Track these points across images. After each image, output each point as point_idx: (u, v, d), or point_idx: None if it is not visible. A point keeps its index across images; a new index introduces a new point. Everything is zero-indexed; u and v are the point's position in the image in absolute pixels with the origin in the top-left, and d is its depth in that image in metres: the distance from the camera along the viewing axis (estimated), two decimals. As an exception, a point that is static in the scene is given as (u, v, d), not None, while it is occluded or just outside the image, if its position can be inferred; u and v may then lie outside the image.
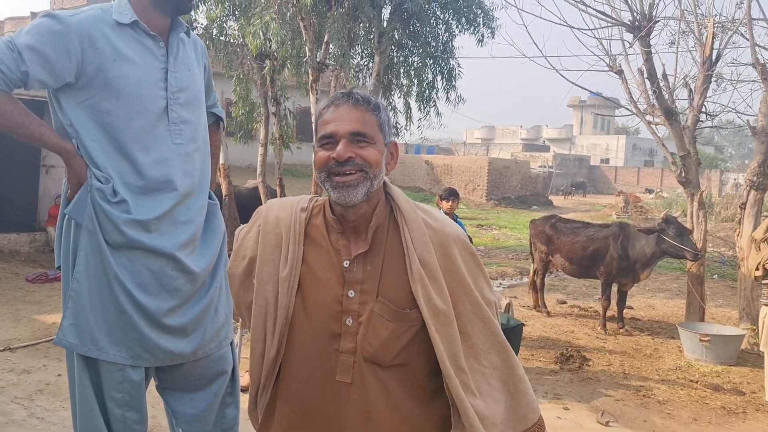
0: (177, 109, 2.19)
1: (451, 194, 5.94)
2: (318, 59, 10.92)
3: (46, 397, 4.18)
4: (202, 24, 12.52)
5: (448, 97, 12.38)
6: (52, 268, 8.65)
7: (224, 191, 12.11)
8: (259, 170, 12.58)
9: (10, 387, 4.31)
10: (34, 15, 23.59)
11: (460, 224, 6.03)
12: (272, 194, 12.57)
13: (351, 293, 1.49)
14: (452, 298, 1.51)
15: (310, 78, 11.08)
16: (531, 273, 8.30)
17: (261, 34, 9.48)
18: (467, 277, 1.54)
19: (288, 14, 10.53)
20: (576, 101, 61.66)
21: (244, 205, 12.63)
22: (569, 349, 6.18)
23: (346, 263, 1.51)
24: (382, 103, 1.53)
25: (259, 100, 12.60)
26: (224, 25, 12.16)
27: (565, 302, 8.78)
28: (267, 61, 11.68)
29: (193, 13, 11.74)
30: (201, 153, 2.31)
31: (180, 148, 2.20)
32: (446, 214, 5.92)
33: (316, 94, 11.25)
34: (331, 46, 10.72)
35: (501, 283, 10.31)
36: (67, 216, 2.12)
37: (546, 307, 7.98)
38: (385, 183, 1.58)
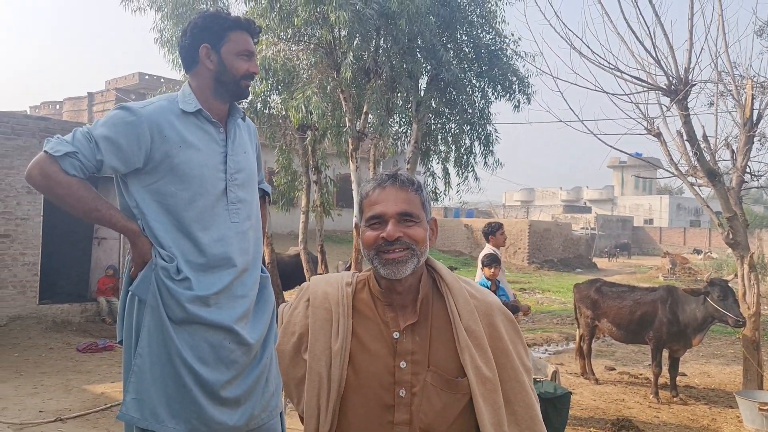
0: (235, 189, 2.33)
1: (493, 261, 5.94)
2: (357, 128, 11.23)
3: (95, 468, 4.23)
4: (247, 99, 13.07)
5: (486, 162, 12.50)
6: (102, 337, 8.85)
7: (267, 258, 12.32)
8: (300, 237, 12.79)
9: (61, 458, 4.38)
10: (91, 95, 24.96)
11: (503, 291, 5.99)
12: (313, 260, 12.73)
13: (403, 364, 1.53)
14: (497, 366, 1.55)
15: (350, 147, 11.38)
16: (577, 339, 8.12)
17: (303, 107, 9.84)
18: (509, 345, 1.59)
19: (328, 87, 10.93)
20: (616, 162, 61.32)
21: (285, 272, 12.80)
22: (620, 419, 5.97)
23: (395, 335, 1.56)
24: (423, 183, 1.63)
25: (301, 169, 12.95)
26: (268, 99, 12.67)
27: (614, 369, 8.52)
28: (308, 132, 12.05)
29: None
30: (254, 230, 2.42)
31: (237, 227, 2.32)
32: (488, 279, 5.91)
33: (356, 161, 11.53)
34: (369, 116, 11.04)
35: (547, 350, 10.09)
36: (131, 293, 2.21)
37: (594, 374, 7.76)
38: (428, 259, 1.65)
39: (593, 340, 8.11)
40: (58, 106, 26.93)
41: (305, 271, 12.64)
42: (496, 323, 1.60)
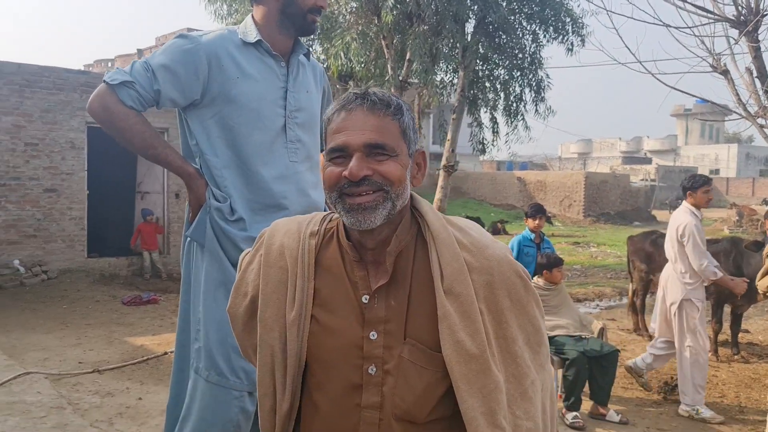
0: (294, 128, 2.22)
1: (538, 211, 5.57)
2: (400, 77, 10.83)
3: (125, 420, 4.18)
4: (314, 35, 12.81)
5: (537, 110, 11.96)
6: (147, 291, 8.94)
7: (312, 213, 12.22)
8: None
9: (93, 410, 4.35)
10: (140, 52, 25.15)
11: (548, 244, 5.62)
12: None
13: (373, 335, 1.22)
14: (496, 340, 1.23)
15: (394, 97, 10.99)
16: (630, 293, 7.70)
17: (342, 54, 9.51)
18: (510, 313, 1.26)
19: (370, 34, 10.53)
20: (680, 110, 58.54)
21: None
22: (674, 377, 5.59)
23: (364, 298, 1.24)
24: (405, 104, 1.27)
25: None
26: (309, 49, 12.38)
27: (670, 325, 8.07)
28: (350, 82, 11.72)
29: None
30: (315, 174, 2.28)
31: (295, 166, 2.21)
32: (532, 232, 5.55)
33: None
34: (413, 63, 10.61)
35: (598, 305, 9.69)
36: (189, 238, 2.18)
37: (647, 331, 7.34)
38: (412, 197, 1.32)
39: (647, 295, 7.68)
40: (110, 64, 27.31)
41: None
42: (494, 282, 1.25)
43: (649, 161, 50.16)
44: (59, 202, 9.32)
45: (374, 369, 1.21)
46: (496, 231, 21.72)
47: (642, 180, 37.09)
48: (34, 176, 9.07)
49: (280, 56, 2.22)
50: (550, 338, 4.73)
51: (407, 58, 10.69)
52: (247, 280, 1.36)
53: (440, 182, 11.21)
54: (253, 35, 2.18)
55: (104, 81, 2.05)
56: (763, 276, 4.06)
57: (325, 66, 11.77)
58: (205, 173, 2.16)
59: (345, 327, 1.24)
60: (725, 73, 6.60)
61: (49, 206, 9.23)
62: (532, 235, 5.55)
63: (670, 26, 6.41)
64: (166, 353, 5.88)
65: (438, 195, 11.18)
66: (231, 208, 2.11)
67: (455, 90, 11.62)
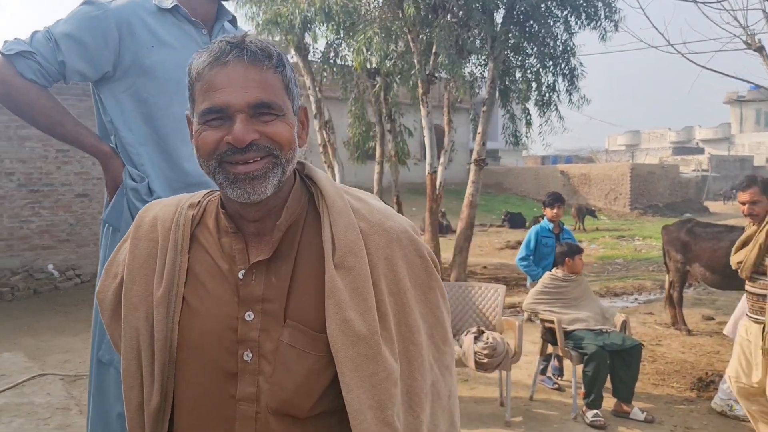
0: None
1: (556, 200, 5.33)
2: (427, 71, 10.64)
3: None
4: (320, 50, 12.80)
5: (570, 99, 11.56)
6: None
7: (342, 211, 12.14)
8: (375, 188, 12.48)
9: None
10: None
11: (568, 234, 5.37)
12: (390, 212, 12.38)
13: (249, 316, 1.07)
14: (394, 321, 1.08)
15: (420, 91, 10.82)
16: (666, 286, 7.33)
17: (364, 49, 9.39)
18: (409, 291, 1.11)
19: (394, 27, 10.36)
20: (733, 96, 56.37)
21: (362, 225, 12.58)
22: (710, 373, 5.27)
23: (240, 274, 1.09)
24: (285, 55, 1.11)
25: (375, 119, 12.56)
26: (338, 48, 12.31)
27: (712, 318, 7.66)
28: (378, 78, 11.60)
29: (311, 38, 12.02)
30: None
31: None
32: (551, 221, 5.32)
33: (427, 106, 10.96)
34: (440, 56, 10.40)
35: (637, 298, 9.29)
36: (104, 222, 2.03)
37: (686, 324, 6.98)
38: (302, 164, 1.17)
39: (686, 287, 7.30)
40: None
41: (382, 222, 12.35)
42: (395, 258, 1.10)
43: (701, 151, 48.44)
44: (91, 206, 9.48)
45: (250, 355, 1.06)
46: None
47: (693, 170, 35.83)
48: (66, 182, 9.26)
49: (200, 23, 2.04)
50: (569, 332, 4.50)
51: (434, 51, 10.50)
52: (118, 260, 1.21)
53: (471, 176, 10.95)
54: (169, 0, 1.99)
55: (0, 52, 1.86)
56: (736, 251, 3.70)
57: (349, 62, 11.69)
58: (120, 152, 1.99)
59: (218, 307, 1.09)
60: (760, 49, 6.22)
61: (81, 211, 9.41)
62: (551, 225, 5.31)
63: (699, 1, 6.08)
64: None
65: (469, 189, 10.91)
66: (149, 188, 1.95)
67: (485, 82, 11.36)
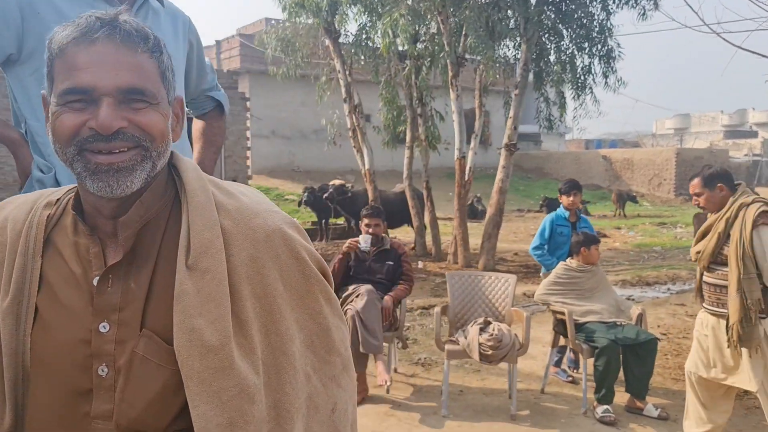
0: None
1: (572, 187, 5.12)
2: (457, 53, 10.42)
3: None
4: (352, 33, 12.68)
5: (606, 82, 11.18)
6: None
7: (370, 196, 12.06)
8: (405, 173, 12.35)
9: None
10: (218, 43, 25.85)
11: (586, 222, 5.17)
12: (419, 197, 12.28)
13: (104, 327, 0.97)
14: (261, 330, 0.98)
15: (450, 74, 10.62)
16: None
17: (390, 32, 9.24)
18: (280, 295, 1.00)
19: (422, 9, 10.16)
20: (789, 78, 53.85)
21: (390, 210, 12.47)
22: (735, 369, 5.03)
23: (95, 280, 0.99)
24: (161, 39, 1.01)
25: (406, 102, 12.40)
26: (370, 31, 12.15)
27: (747, 311, 7.33)
28: (407, 61, 11.43)
29: (338, 21, 11.91)
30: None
31: None
32: (567, 209, 5.13)
33: (457, 90, 10.76)
34: (469, 38, 10.17)
35: (669, 288, 8.97)
36: None
37: (717, 317, 6.68)
38: (172, 156, 1.06)
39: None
40: (192, 57, 28.25)
41: (410, 208, 12.25)
42: (262, 259, 1.00)
43: (754, 135, 46.58)
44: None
45: (105, 369, 0.96)
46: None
47: (745, 155, 34.49)
48: None
49: (117, 0, 1.87)
50: (580, 325, 4.34)
51: (464, 32, 10.27)
52: None
53: (501, 162, 10.72)
54: None
55: None
56: (696, 242, 3.49)
57: (375, 44, 11.50)
58: (29, 140, 1.86)
59: (71, 318, 0.98)
60: (801, 27, 5.85)
61: None
62: (567, 213, 5.12)
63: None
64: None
65: (499, 175, 10.70)
66: (55, 180, 1.81)
67: (518, 65, 11.09)
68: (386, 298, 4.47)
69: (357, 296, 4.39)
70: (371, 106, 16.08)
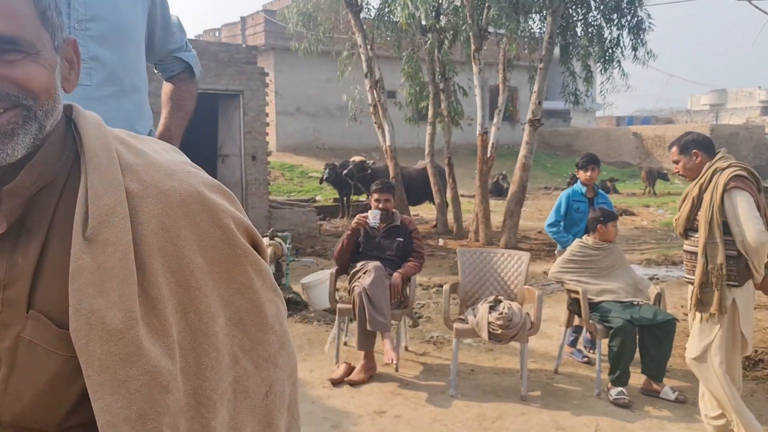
0: (86, 42, 1.77)
1: (590, 161, 4.93)
2: (480, 26, 10.16)
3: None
4: (374, 6, 12.47)
5: (635, 55, 10.81)
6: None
7: (391, 172, 11.93)
8: (427, 150, 12.18)
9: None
10: (243, 20, 25.76)
11: (604, 198, 4.98)
12: (441, 174, 12.11)
13: None
14: (183, 314, 0.85)
15: (472, 47, 10.37)
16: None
17: (409, 3, 9.02)
18: (198, 268, 0.86)
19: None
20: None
21: (412, 187, 12.35)
22: (759, 351, 4.84)
23: None
24: None
25: (428, 77, 12.18)
26: (392, 5, 11.90)
27: (776, 291, 7.07)
28: (429, 35, 11.19)
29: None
30: (124, 100, 1.86)
31: (87, 91, 1.75)
32: (584, 185, 4.94)
33: (479, 63, 10.51)
34: (491, 9, 9.89)
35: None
36: None
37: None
38: (69, 106, 0.92)
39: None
40: (217, 34, 28.20)
41: (432, 185, 12.09)
42: (176, 227, 0.86)
43: (793, 111, 45.10)
44: None
45: None
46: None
47: (783, 132, 33.40)
48: (116, 142, 9.43)
49: None
50: (595, 304, 4.19)
51: (486, 5, 10.00)
52: None
53: (525, 137, 10.47)
54: None
55: None
56: (678, 210, 3.46)
57: (397, 18, 11.27)
58: None
59: None
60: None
61: None
62: (584, 189, 4.94)
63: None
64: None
65: (522, 151, 10.45)
66: None
67: (543, 38, 10.76)
68: (395, 274, 4.36)
69: (364, 273, 4.30)
70: (394, 82, 15.86)
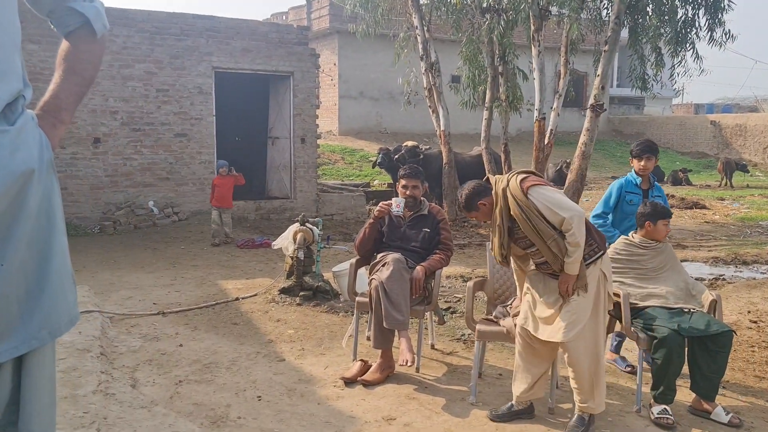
0: None
1: (646, 149, 4.42)
2: (540, 4, 9.59)
3: (150, 368, 4.03)
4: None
5: (712, 36, 9.96)
6: (259, 235, 9.01)
7: (444, 158, 11.53)
8: (483, 135, 11.72)
9: (128, 354, 4.27)
10: (309, 2, 25.67)
11: (659, 191, 4.49)
12: (496, 161, 11.63)
13: None
14: None
15: (531, 28, 9.81)
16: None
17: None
18: None
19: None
20: None
21: (466, 174, 11.88)
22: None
23: None
24: None
25: (486, 60, 11.67)
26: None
27: None
28: (486, 15, 10.68)
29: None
30: None
31: None
32: (639, 175, 4.43)
33: (538, 45, 9.96)
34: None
35: (758, 268, 7.95)
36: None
37: (821, 306, 5.79)
38: None
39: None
40: (284, 17, 28.27)
41: (487, 172, 11.61)
42: None
43: None
44: (189, 146, 9.65)
45: None
46: (676, 181, 19.28)
47: None
48: (165, 121, 9.45)
49: None
50: (638, 310, 3.75)
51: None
52: None
53: (586, 124, 9.85)
54: None
55: None
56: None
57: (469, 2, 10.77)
58: None
59: None
60: None
61: (180, 150, 9.60)
62: (639, 179, 4.44)
63: None
64: (237, 299, 5.74)
65: (582, 138, 9.83)
66: None
67: (610, 17, 10.07)
68: (417, 268, 4.04)
69: (383, 265, 3.99)
70: (451, 66, 15.34)
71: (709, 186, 18.68)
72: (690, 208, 13.16)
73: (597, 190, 17.72)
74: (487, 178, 3.47)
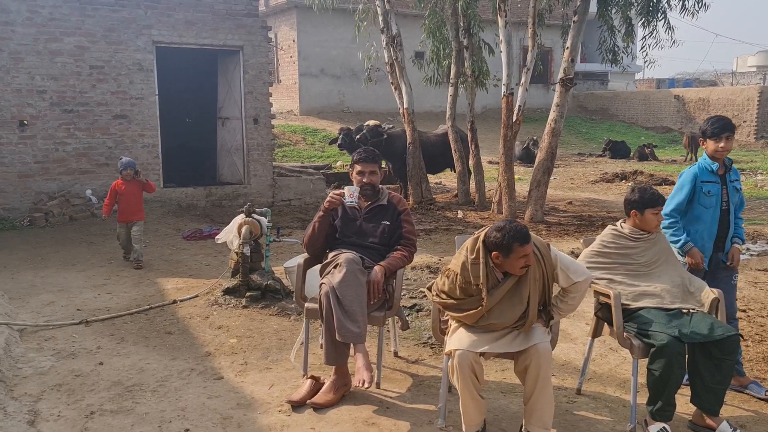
0: None
1: (724, 128, 3.61)
2: (506, -28, 8.99)
3: (57, 396, 3.38)
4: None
5: (684, 5, 9.51)
6: (208, 225, 8.32)
7: (409, 138, 10.94)
8: (448, 113, 11.14)
9: (34, 377, 3.60)
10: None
11: (736, 175, 3.80)
12: (463, 139, 11.08)
13: None
14: None
15: (497, -3, 9.21)
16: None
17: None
18: None
19: None
20: None
21: (431, 153, 11.35)
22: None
23: None
24: None
25: (451, 33, 11.05)
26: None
27: None
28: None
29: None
30: None
31: None
32: (714, 160, 3.68)
33: (505, 16, 9.38)
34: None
35: (749, 249, 7.59)
36: None
37: (812, 291, 5.40)
38: None
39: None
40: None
41: (453, 151, 11.07)
42: None
43: None
44: (130, 128, 8.85)
45: None
46: (643, 156, 19.07)
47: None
48: (101, 101, 8.63)
49: None
50: (632, 312, 3.23)
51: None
52: None
53: (555, 99, 9.35)
54: None
55: None
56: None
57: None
58: None
59: None
60: None
61: (120, 133, 8.79)
62: (715, 165, 3.68)
63: None
64: (175, 302, 5.08)
65: (552, 114, 9.34)
66: None
67: (579, -14, 9.54)
68: (376, 268, 3.45)
69: (335, 267, 3.40)
70: (414, 42, 14.65)
71: (675, 161, 18.51)
72: (659, 185, 12.83)
73: (563, 168, 17.38)
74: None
